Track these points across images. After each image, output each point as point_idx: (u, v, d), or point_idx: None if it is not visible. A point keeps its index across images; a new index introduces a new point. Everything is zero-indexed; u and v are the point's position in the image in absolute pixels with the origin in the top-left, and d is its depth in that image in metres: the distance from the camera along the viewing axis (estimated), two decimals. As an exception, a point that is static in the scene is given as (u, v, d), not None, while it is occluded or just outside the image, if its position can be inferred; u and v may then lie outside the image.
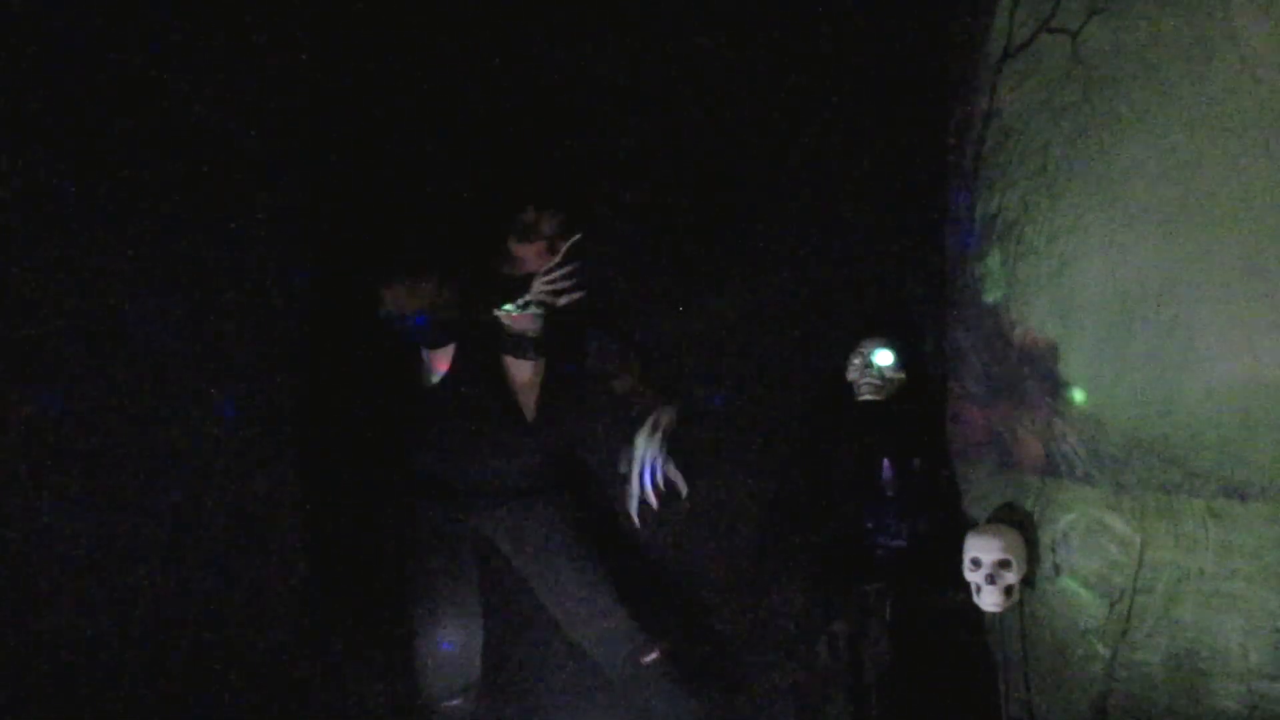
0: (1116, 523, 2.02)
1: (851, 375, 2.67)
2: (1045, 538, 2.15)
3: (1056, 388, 2.06)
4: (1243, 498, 1.86)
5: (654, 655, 2.63)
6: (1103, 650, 2.06)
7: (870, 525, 2.54)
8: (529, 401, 2.57)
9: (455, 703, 2.59)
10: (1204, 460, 1.88)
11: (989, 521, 2.25)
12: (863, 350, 2.67)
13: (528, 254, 2.47)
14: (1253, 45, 1.80)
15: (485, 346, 2.52)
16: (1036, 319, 2.09)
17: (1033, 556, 2.17)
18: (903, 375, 2.64)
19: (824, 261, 2.98)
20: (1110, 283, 1.96)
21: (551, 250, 2.44)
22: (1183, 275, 1.88)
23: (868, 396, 2.63)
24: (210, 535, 2.65)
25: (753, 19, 2.98)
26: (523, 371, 2.54)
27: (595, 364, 2.69)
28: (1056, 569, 2.13)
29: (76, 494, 2.42)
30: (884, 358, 2.64)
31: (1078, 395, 2.02)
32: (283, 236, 2.73)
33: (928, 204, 2.68)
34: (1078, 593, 2.10)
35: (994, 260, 2.19)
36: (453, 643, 2.58)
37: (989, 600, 2.15)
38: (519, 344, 2.49)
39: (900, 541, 2.51)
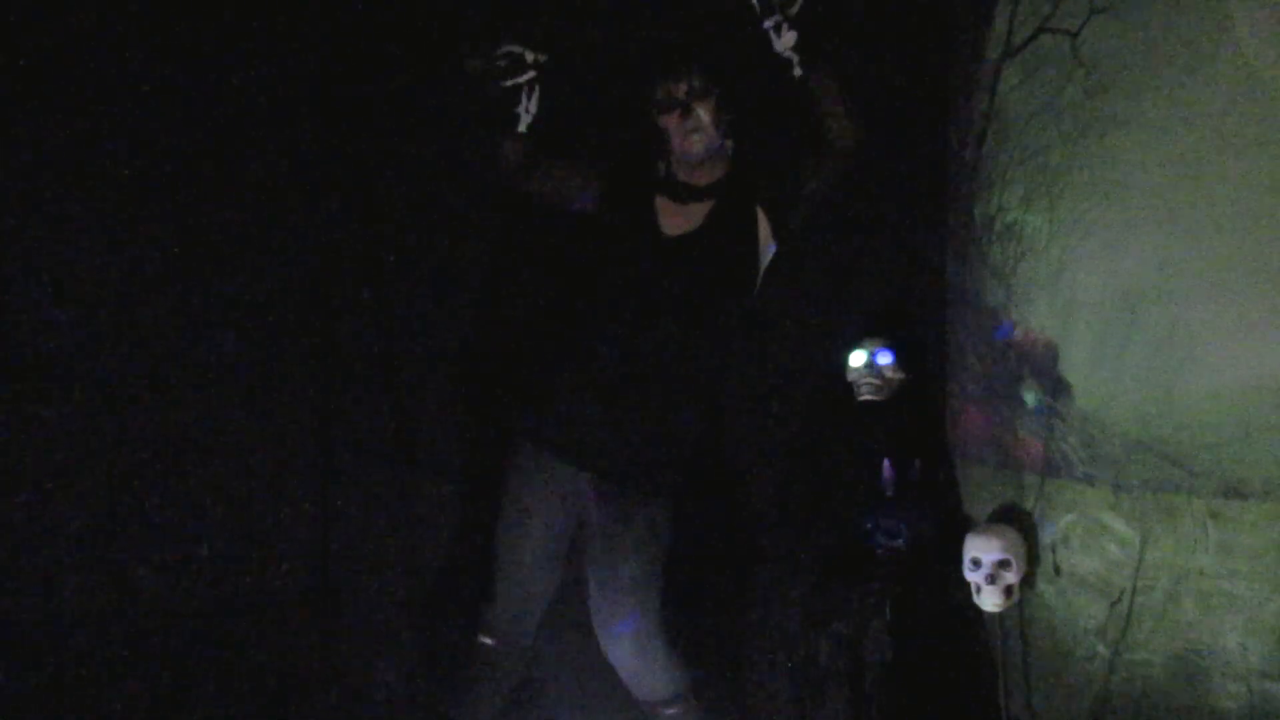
0: (1116, 523, 2.02)
1: (851, 375, 2.67)
2: (1045, 538, 2.15)
3: (1056, 388, 2.06)
4: (1243, 498, 1.86)
5: (678, 710, 2.50)
6: (1103, 650, 2.06)
7: (870, 525, 2.53)
8: (676, 227, 2.48)
9: (489, 642, 2.49)
10: (1204, 460, 1.88)
11: (989, 521, 2.25)
12: (863, 350, 2.67)
13: (671, 124, 2.43)
14: (1252, 45, 1.80)
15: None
16: (1036, 319, 2.09)
17: (1033, 556, 2.16)
18: (903, 375, 2.64)
19: (824, 261, 2.98)
20: (1110, 283, 1.96)
21: (686, 112, 2.41)
22: (1183, 275, 1.88)
23: (868, 396, 2.63)
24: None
25: (752, 18, 2.97)
26: (675, 213, 2.48)
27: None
28: (1056, 569, 2.13)
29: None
30: (884, 358, 2.63)
31: (1080, 395, 2.02)
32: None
33: (928, 204, 2.68)
34: (1078, 593, 2.10)
35: (994, 260, 2.19)
36: (519, 580, 2.48)
37: (989, 600, 2.15)
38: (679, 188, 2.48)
39: (900, 541, 2.51)
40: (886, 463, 2.56)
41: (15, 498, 2.37)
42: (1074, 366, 2.03)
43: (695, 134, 2.42)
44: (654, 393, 2.43)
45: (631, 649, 2.46)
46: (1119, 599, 2.02)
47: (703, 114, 2.41)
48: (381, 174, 2.89)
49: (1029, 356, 2.11)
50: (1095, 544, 2.06)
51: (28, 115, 2.38)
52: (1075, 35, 2.01)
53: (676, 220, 2.48)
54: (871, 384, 2.63)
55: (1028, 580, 2.17)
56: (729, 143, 2.50)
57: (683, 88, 2.43)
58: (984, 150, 2.23)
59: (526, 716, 2.86)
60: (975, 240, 2.25)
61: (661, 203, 2.49)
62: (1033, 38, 2.10)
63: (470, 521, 2.95)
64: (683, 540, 3.02)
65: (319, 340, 2.80)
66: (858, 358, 2.66)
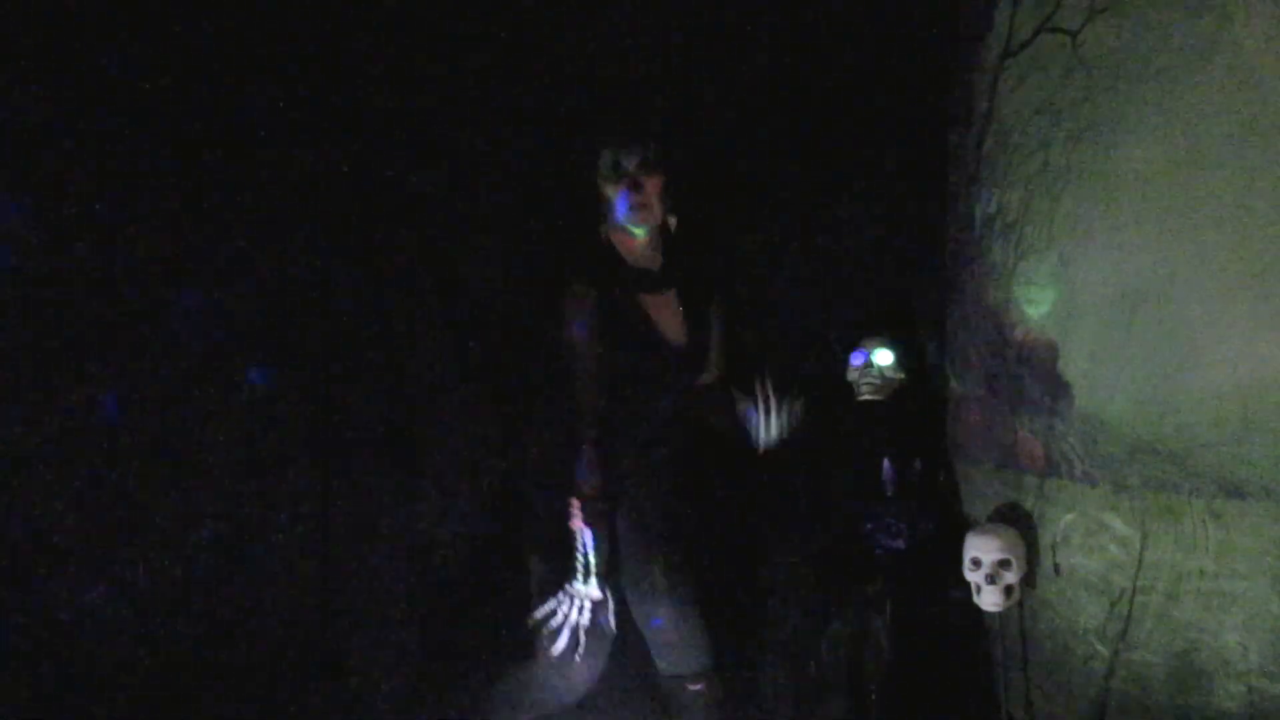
0: (1116, 523, 2.02)
1: (851, 375, 2.67)
2: (1045, 538, 2.15)
3: (1056, 388, 2.06)
4: (1243, 498, 1.86)
5: (701, 687, 2.54)
6: (1103, 650, 2.06)
7: (870, 525, 2.54)
8: (673, 331, 2.55)
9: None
10: (1204, 460, 1.88)
11: (989, 521, 2.25)
12: (863, 350, 2.67)
13: (614, 195, 2.45)
14: (1252, 45, 1.80)
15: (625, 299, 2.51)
16: (1036, 319, 2.10)
17: (1033, 556, 2.17)
18: (903, 375, 2.64)
19: (824, 261, 2.98)
20: (1110, 283, 1.96)
21: (635, 186, 2.42)
22: (1183, 275, 1.88)
23: (868, 396, 2.63)
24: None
25: (751, 18, 2.98)
26: (663, 307, 2.53)
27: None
28: (1056, 569, 2.13)
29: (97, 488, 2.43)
30: (884, 358, 2.63)
31: (1080, 395, 2.02)
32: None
33: (928, 204, 2.68)
34: (1078, 593, 2.10)
35: (994, 260, 2.19)
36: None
37: (989, 600, 2.15)
38: (648, 279, 2.51)
39: (900, 541, 2.51)
40: (886, 463, 2.56)
41: (14, 498, 2.37)
42: (1074, 366, 2.03)
43: (642, 210, 2.45)
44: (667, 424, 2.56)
45: (669, 617, 2.51)
46: (1119, 599, 2.02)
47: (650, 189, 2.43)
48: (381, 171, 2.89)
49: (1029, 356, 2.11)
50: (1095, 544, 2.06)
51: (29, 115, 2.38)
52: (1075, 35, 2.01)
53: (668, 322, 2.55)
54: (871, 384, 2.63)
55: (1028, 580, 2.17)
56: (672, 220, 2.54)
57: (635, 160, 2.44)
58: (984, 150, 2.23)
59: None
60: (975, 240, 2.25)
61: (644, 300, 2.53)
62: (1033, 38, 2.10)
63: (470, 521, 2.95)
64: (682, 540, 3.03)
65: (319, 340, 2.80)
66: (858, 358, 2.66)
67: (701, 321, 2.60)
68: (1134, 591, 2.00)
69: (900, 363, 2.64)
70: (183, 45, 2.56)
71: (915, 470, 2.55)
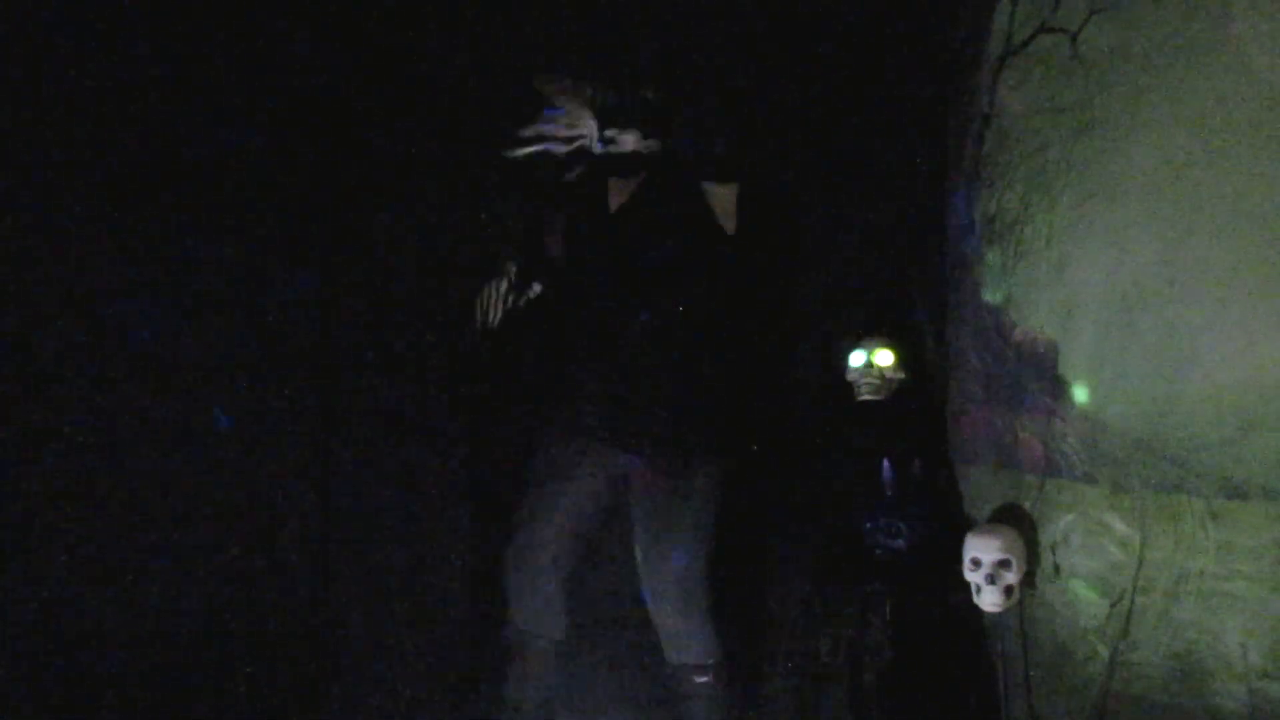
0: (1116, 523, 2.02)
1: (851, 375, 2.67)
2: (1045, 538, 2.15)
3: (1056, 388, 2.06)
4: (1243, 498, 1.86)
5: (708, 679, 2.59)
6: (1103, 650, 2.06)
7: (870, 525, 2.54)
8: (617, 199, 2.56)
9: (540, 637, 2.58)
10: (1204, 460, 1.88)
11: (989, 521, 2.25)
12: (863, 350, 2.67)
13: (555, 123, 2.49)
14: (1252, 45, 1.80)
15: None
16: (1036, 319, 2.09)
17: (1033, 556, 2.16)
18: (903, 375, 2.64)
19: (824, 261, 2.98)
20: (1110, 283, 1.96)
21: (572, 117, 2.45)
22: (1183, 275, 1.87)
23: (868, 396, 2.63)
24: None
25: (751, 19, 2.97)
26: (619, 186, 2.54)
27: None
28: (1056, 569, 2.13)
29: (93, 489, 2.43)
30: (884, 358, 2.63)
31: (1080, 395, 2.02)
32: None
33: (928, 204, 2.68)
34: (1078, 593, 2.10)
35: (994, 260, 2.19)
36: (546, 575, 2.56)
37: (989, 600, 2.15)
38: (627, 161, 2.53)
39: (900, 542, 2.51)
40: (886, 463, 2.56)
41: (13, 500, 2.37)
42: (1074, 366, 2.03)
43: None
44: (667, 359, 2.51)
45: (679, 606, 2.56)
46: (1119, 599, 2.02)
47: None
48: (381, 169, 2.89)
49: (1029, 356, 2.11)
50: (1095, 544, 2.06)
51: (28, 115, 2.38)
52: (1075, 35, 2.01)
53: (617, 197, 2.56)
54: (871, 384, 2.63)
55: (1028, 580, 2.17)
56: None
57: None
58: (984, 150, 2.23)
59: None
60: (975, 240, 2.25)
61: (611, 182, 2.56)
62: (1033, 38, 2.10)
63: (472, 522, 2.95)
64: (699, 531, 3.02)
65: (319, 339, 2.80)
66: (858, 358, 2.66)
67: (669, 215, 2.55)
68: (1134, 591, 2.00)
69: (900, 363, 2.64)
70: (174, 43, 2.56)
71: (915, 470, 2.55)
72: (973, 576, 2.17)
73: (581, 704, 2.91)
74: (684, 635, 2.58)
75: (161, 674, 2.57)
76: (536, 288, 2.51)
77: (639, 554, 2.61)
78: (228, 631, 2.68)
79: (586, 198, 2.56)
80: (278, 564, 2.78)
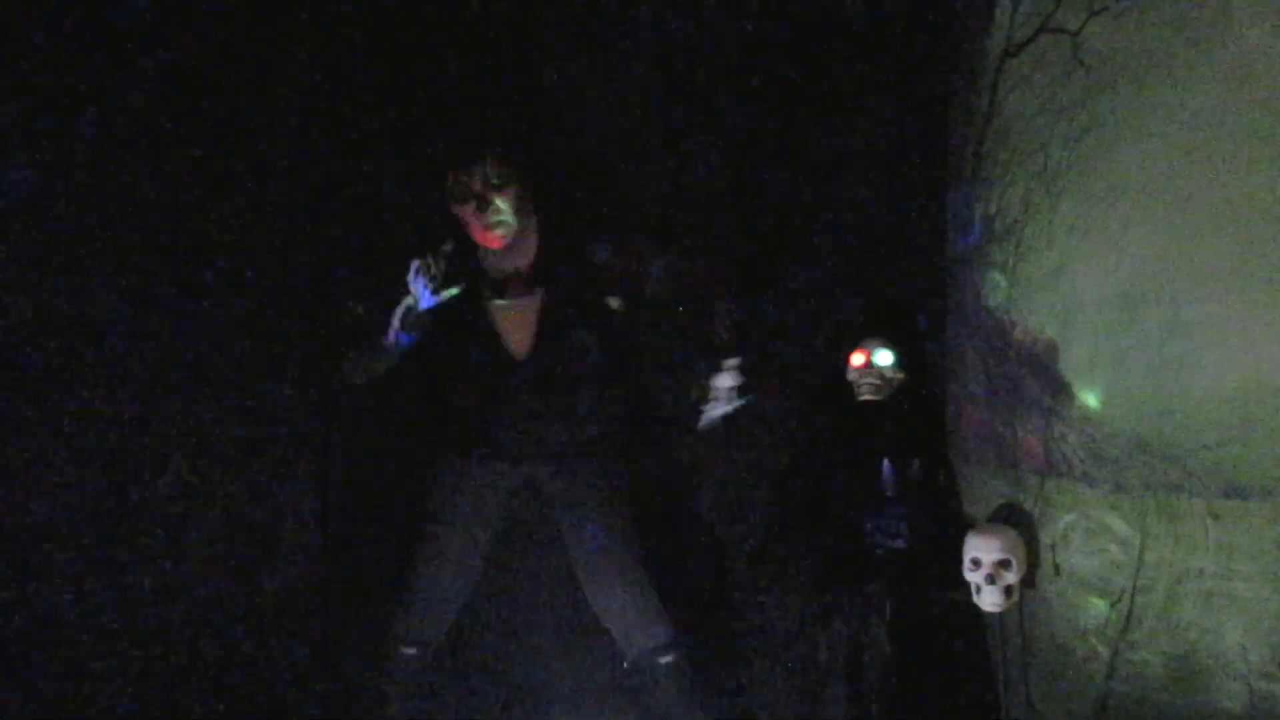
0: (1116, 523, 2.02)
1: (851, 375, 2.67)
2: (1045, 538, 2.15)
3: (1056, 388, 2.06)
4: (1243, 498, 1.86)
5: (672, 658, 2.61)
6: (1103, 650, 2.06)
7: (870, 525, 2.54)
8: (520, 342, 2.54)
9: (412, 651, 2.59)
10: (1204, 460, 1.88)
11: (989, 521, 2.25)
12: (863, 350, 2.66)
13: (466, 214, 2.41)
14: (1251, 45, 1.80)
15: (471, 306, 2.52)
16: (1036, 319, 2.09)
17: (1033, 556, 2.16)
18: (903, 375, 2.64)
19: (824, 261, 2.98)
20: (1110, 283, 1.96)
21: (481, 205, 2.37)
22: (1183, 276, 1.87)
23: (868, 396, 2.63)
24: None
25: (751, 20, 2.98)
26: (509, 315, 2.52)
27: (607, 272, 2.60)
28: (1056, 569, 2.13)
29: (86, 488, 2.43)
30: (884, 358, 2.63)
31: (1080, 395, 2.02)
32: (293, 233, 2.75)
33: (928, 204, 2.68)
34: (1078, 593, 2.10)
35: (994, 260, 2.19)
36: (441, 592, 2.59)
37: (989, 600, 2.15)
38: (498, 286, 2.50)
39: (900, 542, 2.51)
40: (886, 463, 2.56)
41: (13, 499, 2.37)
42: (1074, 366, 2.03)
43: (497, 227, 2.41)
44: (568, 391, 2.59)
45: (624, 600, 2.60)
46: (1119, 599, 2.02)
47: (502, 204, 2.39)
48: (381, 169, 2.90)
49: (1029, 356, 2.11)
50: (1095, 544, 2.06)
51: (28, 116, 2.38)
52: (1075, 35, 2.01)
53: (517, 331, 2.53)
54: (871, 384, 2.63)
55: (1028, 580, 2.17)
56: (534, 220, 2.50)
57: (478, 180, 2.38)
58: (984, 150, 2.23)
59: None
60: (975, 240, 2.25)
61: (494, 307, 2.51)
62: (1033, 38, 2.10)
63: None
64: (682, 541, 3.03)
65: (319, 339, 2.80)
66: (858, 358, 2.66)
67: (566, 328, 2.55)
68: (1134, 591, 2.00)
69: (900, 363, 2.63)
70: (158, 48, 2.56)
71: (915, 470, 2.55)
72: (973, 576, 2.17)
73: (582, 704, 2.91)
74: (638, 621, 2.61)
75: (161, 674, 2.57)
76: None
77: (574, 559, 2.67)
78: (227, 631, 2.68)
79: (469, 327, 2.54)
80: (278, 564, 2.78)
